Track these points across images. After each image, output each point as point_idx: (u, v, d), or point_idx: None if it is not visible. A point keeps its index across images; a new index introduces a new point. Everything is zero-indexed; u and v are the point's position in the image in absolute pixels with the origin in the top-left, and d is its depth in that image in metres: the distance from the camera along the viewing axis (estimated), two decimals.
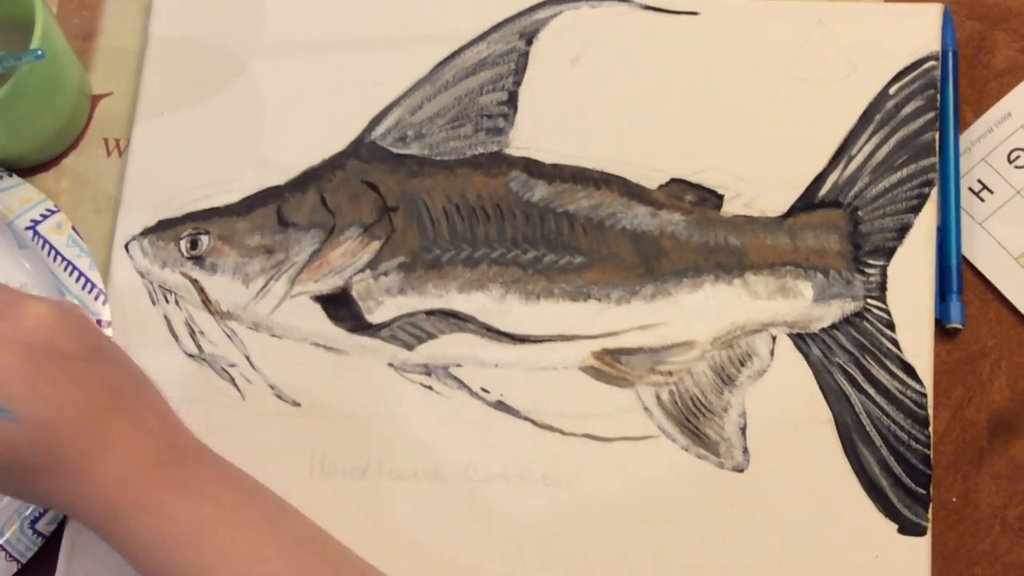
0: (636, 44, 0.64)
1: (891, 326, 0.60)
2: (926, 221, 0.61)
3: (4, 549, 0.59)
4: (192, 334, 0.62)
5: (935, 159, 0.62)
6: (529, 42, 0.65)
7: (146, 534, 0.50)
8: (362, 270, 0.62)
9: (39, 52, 0.57)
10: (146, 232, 0.63)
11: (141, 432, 0.52)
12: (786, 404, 0.59)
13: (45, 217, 0.63)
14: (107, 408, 0.51)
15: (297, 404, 0.61)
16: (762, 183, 0.62)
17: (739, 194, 0.62)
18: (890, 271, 0.61)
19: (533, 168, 0.63)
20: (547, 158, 0.63)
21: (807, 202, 0.62)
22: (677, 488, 0.59)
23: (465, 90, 0.64)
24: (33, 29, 0.58)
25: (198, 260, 0.63)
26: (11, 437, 0.49)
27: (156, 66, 0.66)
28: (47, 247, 0.62)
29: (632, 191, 0.63)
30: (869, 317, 0.60)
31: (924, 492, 0.58)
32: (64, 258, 0.62)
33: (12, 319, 0.51)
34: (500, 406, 0.60)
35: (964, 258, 0.62)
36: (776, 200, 0.62)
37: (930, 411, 0.59)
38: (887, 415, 0.59)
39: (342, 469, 0.60)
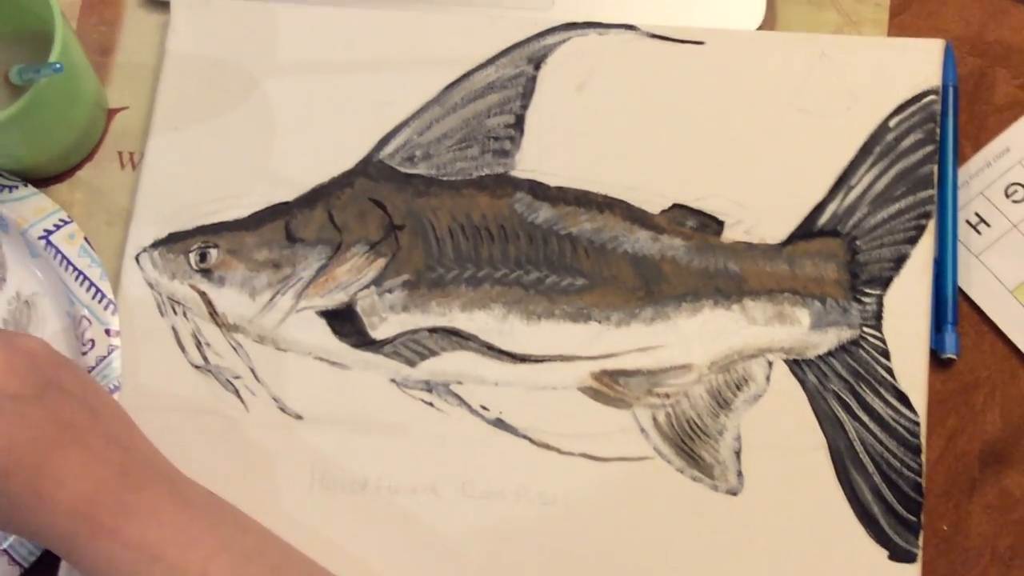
0: (642, 71, 0.66)
1: (886, 355, 0.61)
2: (923, 252, 0.62)
3: (7, 553, 0.60)
4: (198, 345, 0.63)
5: (933, 191, 0.63)
6: (537, 67, 0.66)
7: (101, 561, 0.52)
8: (367, 286, 0.63)
9: (58, 65, 0.58)
10: (157, 244, 0.65)
11: (93, 463, 0.53)
12: (781, 429, 0.60)
13: (58, 227, 0.64)
14: (57, 443, 0.53)
15: (299, 417, 0.62)
16: (762, 211, 0.63)
17: (739, 221, 0.63)
18: (887, 300, 0.62)
19: (538, 190, 0.64)
20: (552, 181, 0.64)
21: (806, 230, 0.63)
22: (671, 509, 0.60)
23: (473, 112, 0.66)
24: (52, 42, 0.59)
25: (207, 273, 0.64)
26: None
27: (171, 82, 0.67)
28: (59, 257, 0.63)
29: (634, 215, 0.64)
30: (865, 345, 0.61)
31: (915, 519, 0.59)
32: (75, 268, 0.63)
33: None
34: (499, 424, 0.61)
35: (960, 290, 0.63)
36: (776, 228, 0.63)
37: (923, 439, 0.60)
38: (880, 442, 0.60)
39: (342, 482, 0.61)
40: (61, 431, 0.53)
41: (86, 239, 0.64)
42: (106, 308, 0.63)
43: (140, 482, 0.54)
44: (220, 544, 0.53)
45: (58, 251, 0.63)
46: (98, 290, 0.63)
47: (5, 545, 0.59)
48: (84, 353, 0.62)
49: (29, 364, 0.54)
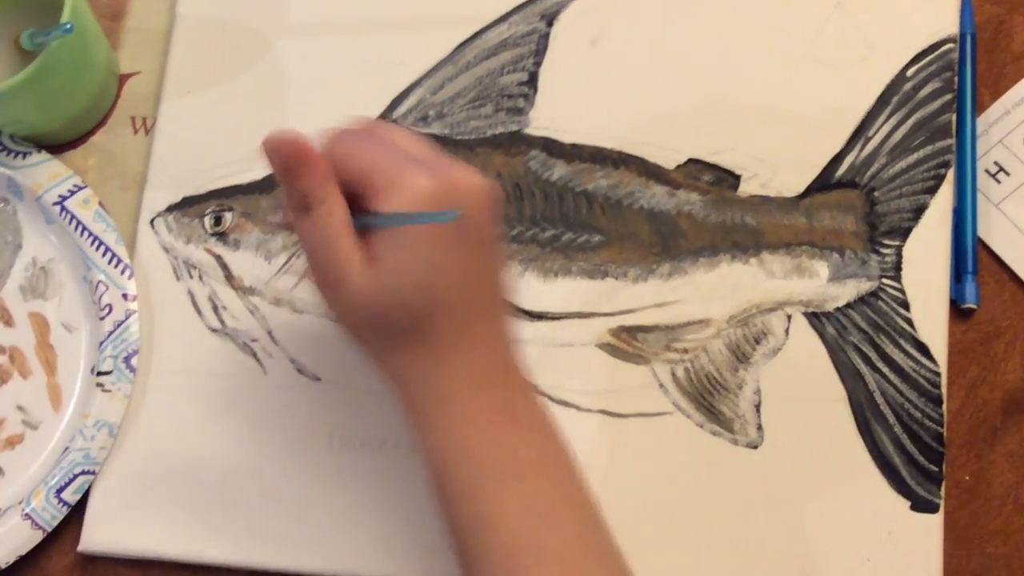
0: (655, 26, 0.65)
1: (906, 306, 0.61)
2: (942, 202, 0.62)
3: (30, 518, 0.60)
4: (215, 309, 0.63)
5: (952, 141, 0.62)
6: (550, 23, 0.66)
7: (464, 447, 0.50)
8: None
9: (68, 26, 0.58)
10: (171, 208, 0.65)
11: (497, 346, 0.51)
12: (800, 382, 0.60)
13: (73, 193, 0.64)
14: (486, 310, 0.51)
15: (317, 378, 0.62)
16: (779, 164, 0.63)
17: (756, 174, 0.63)
18: (905, 251, 0.61)
19: (552, 148, 0.64)
20: (566, 138, 0.64)
21: (824, 183, 0.63)
22: (692, 464, 0.60)
23: (486, 71, 0.65)
24: (61, 9, 0.59)
25: (221, 236, 0.64)
26: (406, 297, 0.49)
27: (182, 45, 0.67)
28: (74, 222, 0.63)
29: (650, 171, 0.63)
30: (884, 297, 0.61)
31: (937, 470, 0.58)
32: (91, 233, 0.63)
33: (454, 180, 0.49)
34: None
35: (979, 239, 0.63)
36: (793, 181, 0.63)
37: (944, 390, 0.59)
38: (901, 394, 0.60)
39: (361, 442, 0.61)
40: (492, 300, 0.51)
41: (101, 204, 0.64)
42: (122, 273, 0.63)
43: (521, 387, 0.52)
44: (572, 499, 0.51)
45: (73, 216, 0.63)
46: (114, 255, 0.63)
47: (28, 509, 0.60)
48: (102, 318, 0.62)
49: (496, 212, 0.51)
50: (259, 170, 0.65)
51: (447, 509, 0.51)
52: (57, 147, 0.66)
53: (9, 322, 0.63)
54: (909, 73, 0.63)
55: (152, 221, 0.64)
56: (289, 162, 0.50)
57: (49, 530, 0.60)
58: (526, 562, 0.48)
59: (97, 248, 0.63)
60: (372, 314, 0.50)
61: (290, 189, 0.51)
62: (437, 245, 0.49)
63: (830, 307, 0.61)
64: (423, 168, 0.49)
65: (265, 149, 0.51)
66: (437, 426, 0.51)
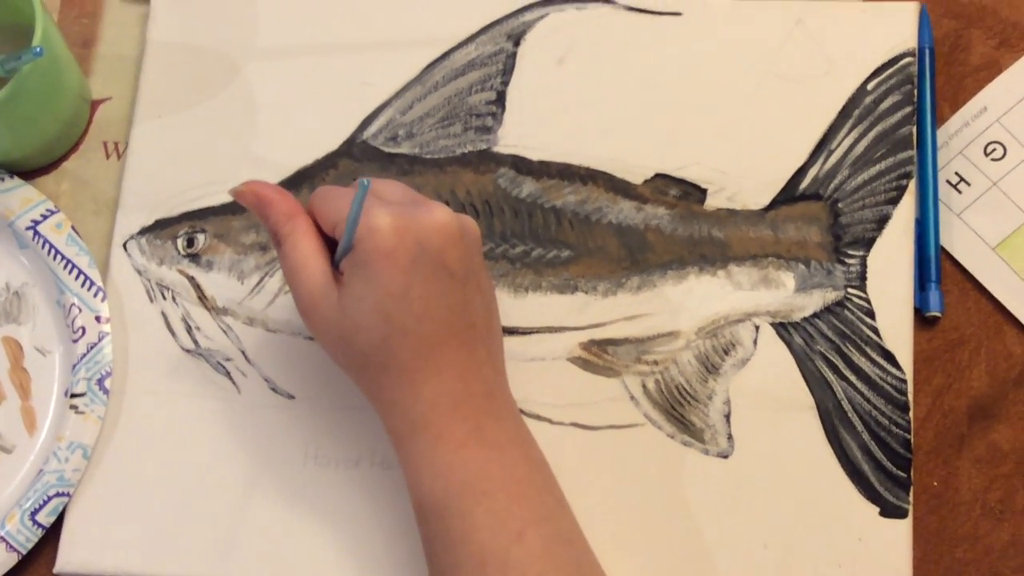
0: (620, 44, 0.66)
1: (871, 315, 0.62)
2: (905, 212, 0.63)
3: (5, 540, 0.60)
4: (188, 330, 0.64)
5: (913, 152, 0.63)
6: (517, 43, 0.67)
7: (436, 466, 0.52)
8: None
9: (38, 49, 0.58)
10: (144, 231, 0.65)
11: (471, 372, 0.53)
12: (769, 391, 0.61)
13: (45, 217, 0.64)
14: (455, 337, 0.53)
15: (291, 397, 0.62)
16: (744, 177, 0.64)
17: (722, 188, 0.64)
18: (870, 261, 0.62)
19: (521, 165, 0.65)
20: (535, 155, 0.65)
21: (788, 195, 0.64)
22: (663, 475, 0.60)
23: (454, 90, 0.66)
24: (32, 34, 0.59)
25: (194, 258, 0.64)
26: (364, 322, 0.52)
27: (153, 71, 0.68)
28: (47, 246, 0.64)
29: (617, 186, 0.64)
30: (850, 306, 0.62)
31: (905, 476, 0.59)
32: (64, 256, 0.64)
33: (416, 218, 0.52)
34: None
35: (942, 248, 0.64)
36: (758, 194, 0.64)
37: (910, 397, 0.60)
38: (868, 401, 0.60)
39: (335, 460, 0.61)
40: (464, 327, 0.53)
41: (73, 228, 0.64)
42: (95, 295, 0.63)
43: (499, 411, 0.54)
44: (543, 513, 0.52)
45: (46, 241, 0.64)
46: (87, 278, 0.63)
47: (2, 532, 0.60)
48: (75, 340, 0.62)
49: (469, 247, 0.54)
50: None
51: (422, 526, 0.53)
52: (30, 173, 0.67)
53: None
54: (870, 87, 0.64)
55: (125, 244, 0.65)
56: (252, 204, 0.56)
57: (24, 553, 0.60)
58: (493, 575, 0.50)
59: (70, 272, 0.63)
60: (338, 338, 0.54)
61: (266, 228, 0.56)
62: (393, 275, 0.52)
63: (797, 317, 0.62)
64: (386, 207, 0.52)
65: (232, 195, 0.57)
66: (411, 447, 0.53)
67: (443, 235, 0.53)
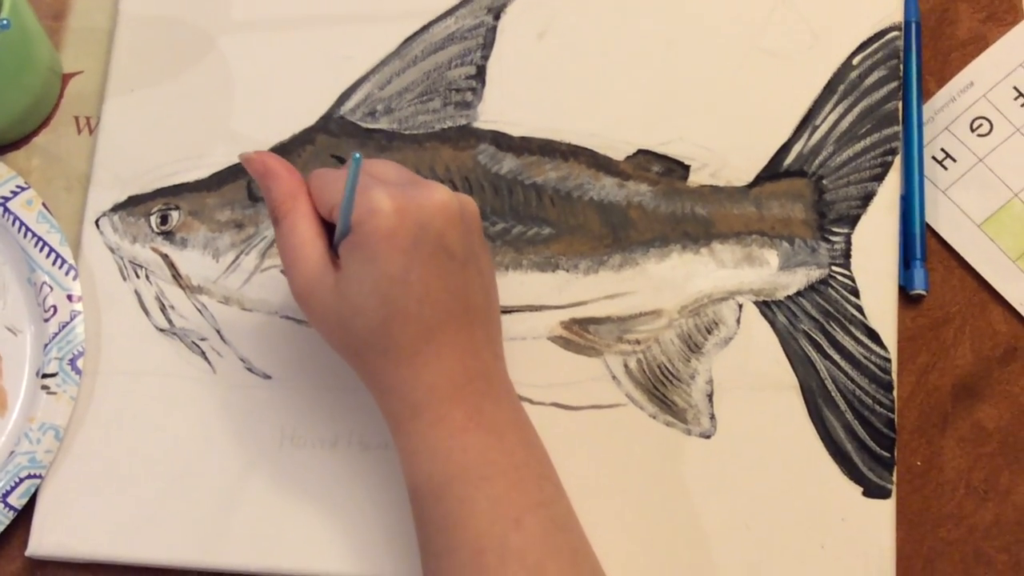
0: (602, 18, 0.65)
1: (856, 293, 0.61)
2: (890, 189, 0.62)
3: None
4: (163, 308, 0.62)
5: (898, 128, 0.63)
6: (497, 17, 0.65)
7: (435, 449, 0.51)
8: None
9: (5, 22, 0.57)
10: (116, 208, 0.64)
11: (471, 355, 0.53)
12: (752, 371, 0.60)
13: (15, 193, 0.63)
14: (455, 320, 0.52)
15: (268, 376, 0.61)
16: (728, 153, 0.63)
17: (705, 164, 0.63)
18: (854, 239, 0.62)
19: (501, 141, 0.64)
20: (515, 131, 0.64)
21: (772, 172, 0.63)
22: (646, 455, 0.59)
23: (434, 64, 0.65)
24: (1, 7, 0.58)
25: (168, 235, 0.63)
26: (363, 305, 0.51)
27: (126, 43, 0.66)
28: (17, 223, 0.62)
29: (599, 163, 0.63)
30: (834, 284, 0.61)
31: (888, 455, 0.59)
32: (34, 234, 0.62)
33: (417, 199, 0.51)
34: None
35: (927, 225, 0.63)
36: (742, 170, 0.63)
37: (894, 376, 0.60)
38: (852, 380, 0.60)
39: (312, 440, 0.60)
40: (464, 311, 0.52)
41: (44, 205, 0.63)
42: (67, 273, 0.62)
43: (499, 395, 0.53)
44: (540, 499, 0.52)
45: (16, 218, 0.62)
46: (58, 256, 0.62)
47: None
48: (46, 320, 0.61)
49: (469, 228, 0.53)
50: (206, 168, 0.64)
51: (418, 509, 0.53)
52: None
53: None
54: (855, 62, 0.63)
55: (97, 221, 0.64)
56: (259, 174, 0.55)
57: None
58: (491, 561, 0.50)
59: (41, 249, 0.62)
60: (336, 322, 0.53)
61: (266, 201, 0.55)
62: (393, 257, 0.51)
63: (781, 295, 0.61)
64: (385, 188, 0.51)
65: (241, 160, 0.56)
66: (409, 431, 0.52)
67: (444, 216, 0.52)
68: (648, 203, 0.63)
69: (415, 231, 0.51)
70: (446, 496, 0.51)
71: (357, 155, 0.49)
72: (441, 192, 0.52)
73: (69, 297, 0.62)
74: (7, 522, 0.59)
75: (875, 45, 0.63)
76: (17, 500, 0.59)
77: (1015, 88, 0.64)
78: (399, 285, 0.51)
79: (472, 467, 0.51)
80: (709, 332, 0.61)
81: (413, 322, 0.51)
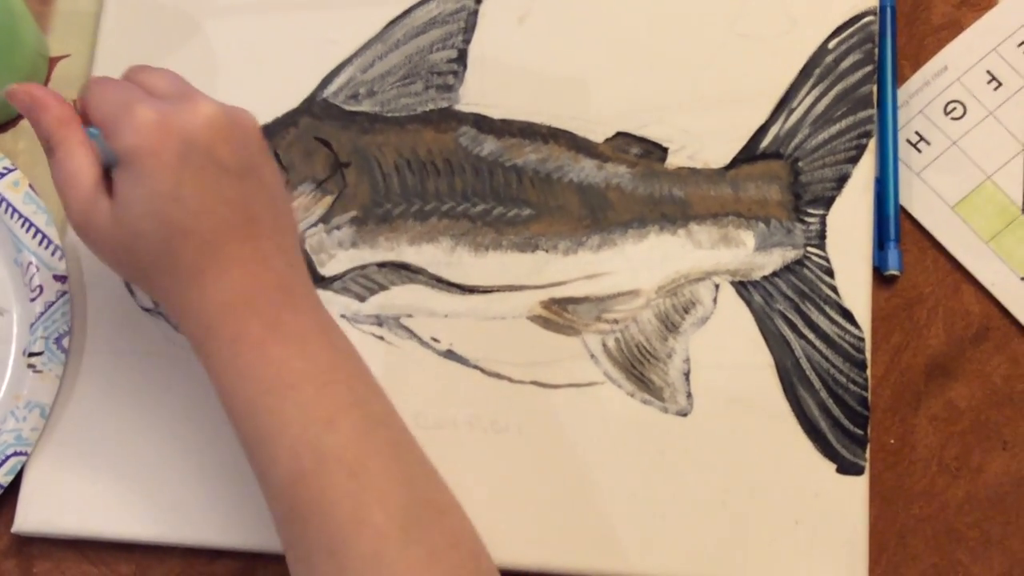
0: (581, 2, 0.66)
1: (830, 273, 0.62)
2: (864, 172, 0.63)
3: None
4: None
5: (873, 111, 0.63)
6: (478, 1, 0.66)
7: (237, 366, 0.51)
8: (315, 224, 0.63)
9: None
10: None
11: (260, 266, 0.52)
12: (728, 350, 0.61)
13: (2, 175, 0.64)
14: (237, 232, 0.51)
15: None
16: (705, 136, 0.64)
17: (683, 147, 0.64)
18: (829, 220, 0.62)
19: (482, 123, 0.64)
20: (496, 114, 0.65)
21: (749, 154, 0.64)
22: (623, 433, 0.60)
23: (416, 48, 0.66)
24: None
25: None
26: (140, 227, 0.51)
27: (112, 27, 0.67)
28: (4, 204, 0.63)
29: (579, 145, 0.64)
30: (809, 265, 0.62)
31: (862, 433, 0.60)
32: (21, 214, 0.63)
33: (181, 113, 0.51)
34: (450, 355, 0.62)
35: (902, 207, 0.64)
36: (719, 152, 0.64)
37: (868, 355, 0.61)
38: (826, 359, 0.61)
39: None
40: (246, 222, 0.52)
41: (31, 186, 0.64)
42: (53, 254, 0.63)
43: (297, 303, 0.52)
44: (353, 399, 0.51)
45: (3, 198, 0.63)
46: (44, 236, 0.63)
47: None
48: (33, 299, 0.62)
49: (243, 140, 0.53)
50: None
51: (237, 430, 0.52)
52: None
53: None
54: (831, 46, 0.64)
55: None
56: (26, 106, 0.54)
57: None
58: (308, 465, 0.49)
59: (28, 230, 0.63)
60: (117, 248, 0.53)
61: (38, 135, 0.54)
62: (163, 174, 0.50)
63: (757, 276, 0.62)
64: (151, 102, 0.51)
65: (7, 95, 0.54)
66: (210, 351, 0.52)
67: (211, 129, 0.51)
68: (626, 185, 0.63)
69: (180, 147, 0.50)
70: (257, 411, 0.50)
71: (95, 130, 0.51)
72: (207, 105, 0.52)
73: (55, 277, 0.62)
74: None
75: (851, 29, 0.64)
76: (3, 477, 0.60)
77: (988, 72, 0.65)
78: (172, 202, 0.50)
79: (277, 378, 0.50)
80: (686, 312, 0.62)
81: (192, 237, 0.51)
